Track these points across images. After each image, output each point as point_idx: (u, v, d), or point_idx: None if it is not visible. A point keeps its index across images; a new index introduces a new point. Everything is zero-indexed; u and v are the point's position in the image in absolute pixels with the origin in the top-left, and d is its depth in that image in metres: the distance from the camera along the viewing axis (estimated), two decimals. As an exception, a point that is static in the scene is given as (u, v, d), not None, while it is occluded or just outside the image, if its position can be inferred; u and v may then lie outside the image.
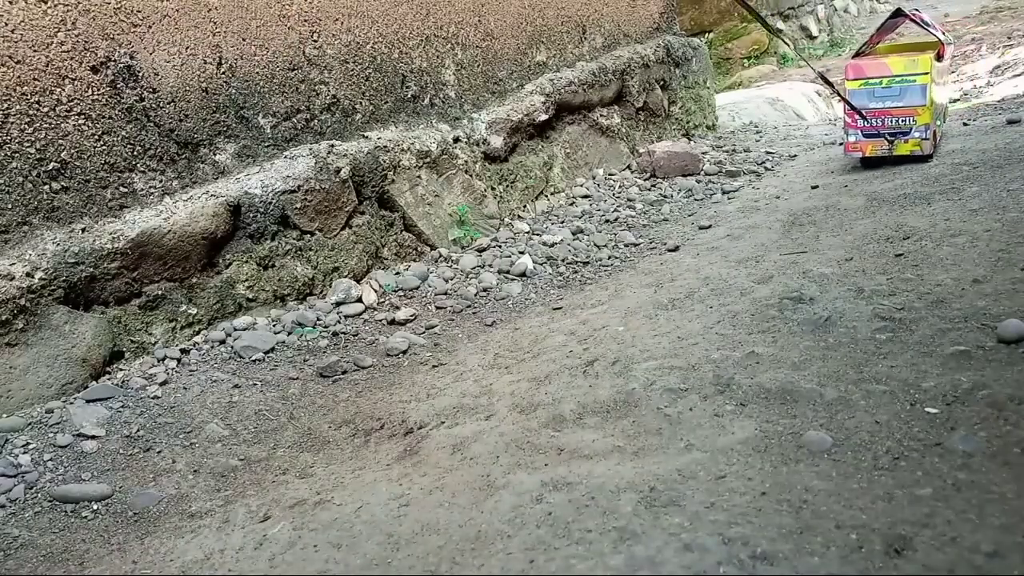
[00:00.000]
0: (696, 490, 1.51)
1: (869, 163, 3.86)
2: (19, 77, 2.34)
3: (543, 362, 2.32)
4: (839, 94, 3.83)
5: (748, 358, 2.01)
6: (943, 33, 4.17)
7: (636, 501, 1.51)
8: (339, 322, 2.83)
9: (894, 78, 3.69)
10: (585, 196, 4.11)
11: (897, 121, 3.70)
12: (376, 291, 3.03)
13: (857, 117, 3.74)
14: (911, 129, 3.68)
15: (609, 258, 3.34)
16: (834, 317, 2.16)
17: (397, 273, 3.18)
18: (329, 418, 2.29)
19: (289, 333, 2.73)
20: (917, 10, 4.20)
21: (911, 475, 1.44)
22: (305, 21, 3.10)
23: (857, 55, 4.13)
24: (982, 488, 1.37)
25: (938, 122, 3.84)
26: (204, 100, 2.80)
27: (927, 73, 3.62)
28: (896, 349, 1.92)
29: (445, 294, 3.06)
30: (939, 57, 3.82)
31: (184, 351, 2.57)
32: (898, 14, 4.02)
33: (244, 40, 2.91)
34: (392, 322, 2.87)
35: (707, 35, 7.99)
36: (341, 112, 3.26)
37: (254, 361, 2.57)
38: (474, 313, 2.94)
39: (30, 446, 2.09)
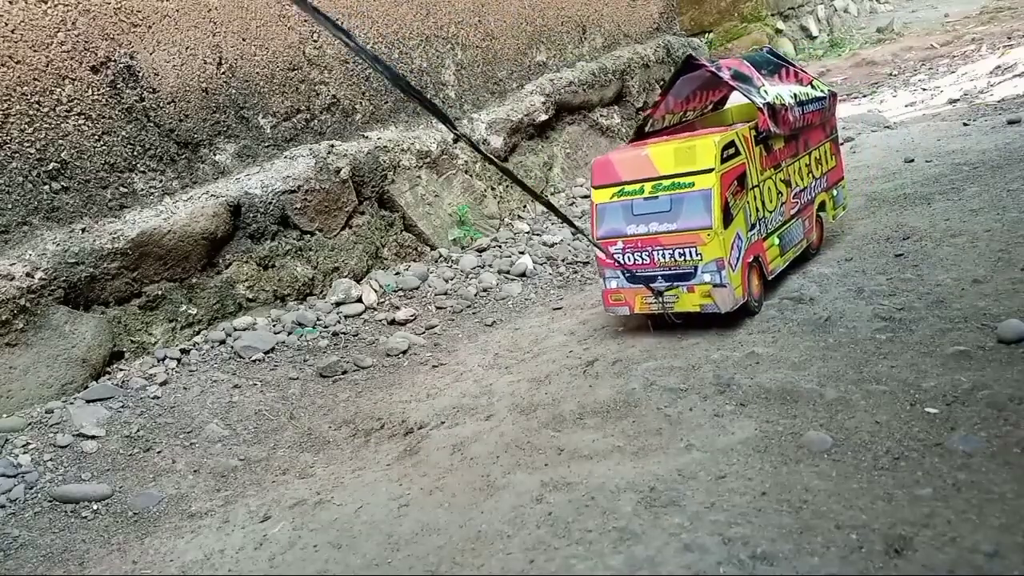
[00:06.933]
0: (696, 490, 1.51)
1: (654, 318, 2.33)
2: (19, 77, 2.34)
3: (543, 362, 2.32)
4: (572, 226, 2.18)
5: (748, 358, 2.01)
6: (801, 82, 2.64)
7: (636, 501, 1.51)
8: (339, 322, 2.83)
9: (660, 182, 2.17)
10: (585, 196, 4.11)
11: (672, 255, 2.18)
12: (376, 291, 3.03)
13: (613, 253, 2.25)
14: (695, 269, 2.15)
15: (609, 258, 3.34)
16: (834, 317, 2.16)
17: (397, 273, 3.18)
18: (329, 418, 2.29)
19: (289, 333, 2.73)
20: (769, 50, 2.74)
21: (911, 475, 1.44)
22: (305, 21, 3.10)
23: (640, 134, 2.50)
24: (982, 488, 1.37)
25: (794, 251, 2.49)
26: (204, 100, 2.80)
27: (711, 170, 2.10)
28: (896, 349, 1.92)
29: (445, 294, 3.06)
30: (760, 135, 2.31)
31: (184, 351, 2.57)
32: (690, 65, 2.46)
33: (244, 40, 2.92)
34: (392, 322, 2.87)
35: (707, 35, 7.98)
36: (341, 112, 3.26)
37: (254, 361, 2.57)
38: (474, 313, 2.94)
39: (30, 446, 2.09)
